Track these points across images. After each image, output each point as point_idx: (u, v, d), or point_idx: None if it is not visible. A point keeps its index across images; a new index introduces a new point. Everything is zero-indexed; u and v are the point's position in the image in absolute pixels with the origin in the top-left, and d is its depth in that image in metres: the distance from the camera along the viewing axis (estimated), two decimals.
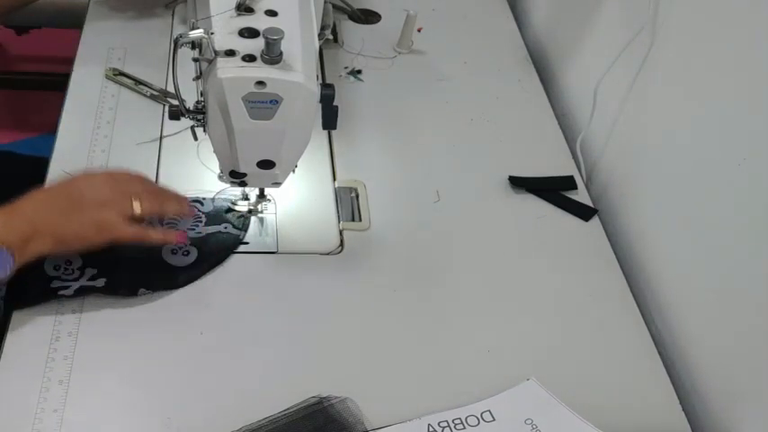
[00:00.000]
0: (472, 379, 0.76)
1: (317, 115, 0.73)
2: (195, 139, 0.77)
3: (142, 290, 0.76)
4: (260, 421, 0.68)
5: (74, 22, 1.15)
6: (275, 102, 0.68)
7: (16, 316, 0.73)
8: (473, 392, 0.74)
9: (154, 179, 0.88)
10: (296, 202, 0.90)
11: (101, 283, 0.76)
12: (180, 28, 1.09)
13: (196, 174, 0.90)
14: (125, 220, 0.74)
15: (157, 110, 0.97)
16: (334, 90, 0.71)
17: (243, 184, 0.80)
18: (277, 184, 0.80)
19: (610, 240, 0.93)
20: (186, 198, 0.83)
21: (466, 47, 1.17)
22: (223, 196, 0.88)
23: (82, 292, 0.75)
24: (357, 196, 0.92)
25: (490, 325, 0.81)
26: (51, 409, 0.67)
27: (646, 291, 0.90)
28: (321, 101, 0.71)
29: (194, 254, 0.81)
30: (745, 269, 0.75)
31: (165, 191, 0.81)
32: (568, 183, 0.98)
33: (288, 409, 0.69)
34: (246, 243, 0.84)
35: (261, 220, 0.87)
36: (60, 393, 0.68)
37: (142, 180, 0.79)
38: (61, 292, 0.74)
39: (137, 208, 0.74)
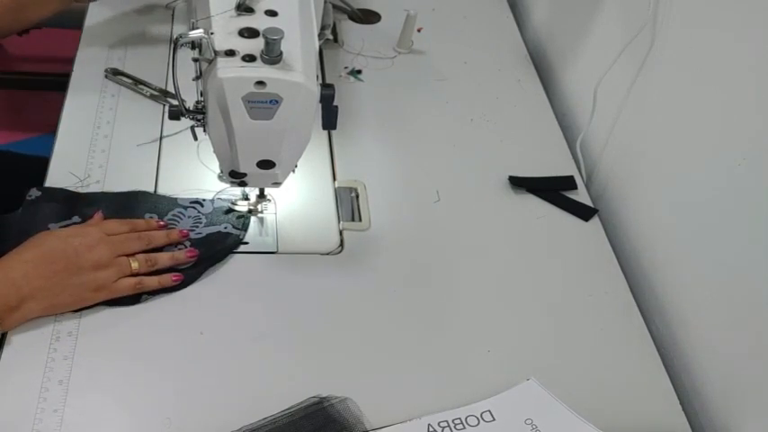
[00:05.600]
0: (472, 379, 0.76)
1: (317, 115, 0.73)
2: (195, 139, 0.77)
3: (144, 296, 0.77)
4: (260, 421, 0.68)
5: (74, 22, 1.14)
6: (275, 102, 0.68)
7: None
8: (473, 392, 0.74)
9: (154, 179, 0.88)
10: (296, 202, 0.90)
11: None
12: (180, 28, 1.09)
13: (196, 174, 0.90)
14: (122, 278, 0.75)
15: (157, 110, 0.97)
16: (334, 90, 0.71)
17: (243, 184, 0.80)
18: (277, 184, 0.80)
19: (610, 240, 0.93)
20: (166, 224, 0.83)
21: (466, 47, 1.17)
22: (223, 196, 0.88)
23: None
24: (357, 196, 0.92)
25: (490, 325, 0.81)
26: (51, 409, 0.67)
27: (646, 291, 0.90)
28: (321, 101, 0.71)
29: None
30: (746, 269, 0.75)
31: (150, 235, 0.79)
32: (568, 183, 0.98)
33: (288, 409, 0.69)
34: (246, 243, 0.84)
35: (261, 220, 0.87)
36: (60, 393, 0.68)
37: (134, 235, 0.78)
38: None
39: (135, 267, 0.76)
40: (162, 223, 0.82)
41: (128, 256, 0.76)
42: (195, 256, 0.80)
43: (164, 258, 0.78)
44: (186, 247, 0.80)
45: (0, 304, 0.68)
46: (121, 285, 0.75)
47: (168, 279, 0.77)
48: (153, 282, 0.77)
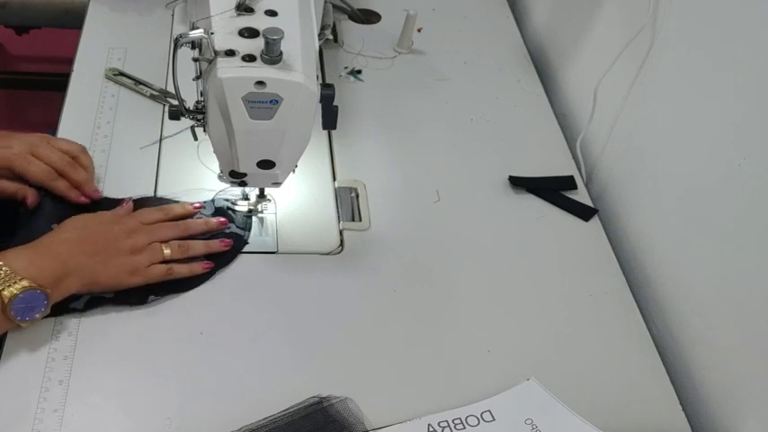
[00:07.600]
0: (472, 379, 0.76)
1: (317, 115, 0.73)
2: (195, 139, 0.77)
3: (151, 297, 0.77)
4: (260, 421, 0.68)
5: (74, 22, 1.15)
6: (275, 102, 0.68)
7: None
8: (473, 392, 0.74)
9: (154, 179, 0.88)
10: (296, 202, 0.90)
11: (111, 293, 0.76)
12: (180, 28, 1.09)
13: (196, 174, 0.90)
14: (155, 263, 0.77)
15: (157, 110, 0.97)
16: (334, 90, 0.71)
17: (243, 184, 0.80)
18: (277, 184, 0.80)
19: (610, 240, 0.93)
20: (202, 206, 0.84)
21: (466, 47, 1.17)
22: (223, 196, 0.88)
23: (93, 305, 0.75)
24: (357, 196, 0.92)
25: (490, 325, 0.81)
26: (51, 409, 0.67)
27: (646, 291, 0.90)
28: (321, 101, 0.71)
29: (201, 257, 0.81)
30: (745, 269, 0.75)
31: (187, 223, 0.81)
32: (568, 183, 0.98)
33: (288, 409, 0.69)
34: (247, 243, 0.84)
35: (261, 220, 0.87)
36: (60, 393, 0.68)
37: (171, 223, 0.81)
38: (72, 305, 0.74)
39: (167, 254, 0.77)
40: (198, 205, 0.83)
41: (162, 242, 0.77)
42: (229, 245, 0.81)
43: (197, 246, 0.80)
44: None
45: (49, 276, 0.69)
46: (153, 271, 0.76)
47: (199, 267, 0.79)
48: (184, 269, 0.78)
